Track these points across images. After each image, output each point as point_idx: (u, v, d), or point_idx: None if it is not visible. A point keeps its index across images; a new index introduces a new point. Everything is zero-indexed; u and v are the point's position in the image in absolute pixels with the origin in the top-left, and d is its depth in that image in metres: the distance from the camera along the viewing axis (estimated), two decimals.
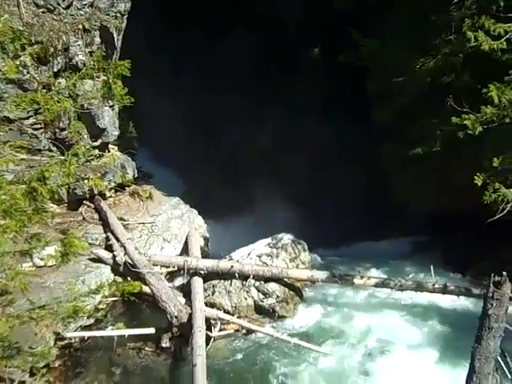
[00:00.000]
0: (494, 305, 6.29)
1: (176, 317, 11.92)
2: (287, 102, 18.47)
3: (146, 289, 12.70)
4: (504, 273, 6.38)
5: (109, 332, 12.01)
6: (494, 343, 6.33)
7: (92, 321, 12.19)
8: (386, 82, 14.66)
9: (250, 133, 19.15)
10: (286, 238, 14.04)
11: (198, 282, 12.79)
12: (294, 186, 17.54)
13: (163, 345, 11.86)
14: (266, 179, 18.24)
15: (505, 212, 11.34)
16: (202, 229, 15.16)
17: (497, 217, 11.32)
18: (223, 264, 13.05)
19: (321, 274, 13.25)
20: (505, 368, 6.49)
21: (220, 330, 12.26)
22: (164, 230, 14.31)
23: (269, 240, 14.01)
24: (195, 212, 15.32)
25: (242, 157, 19.51)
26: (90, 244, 13.15)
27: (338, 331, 12.43)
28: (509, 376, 6.48)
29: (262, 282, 13.02)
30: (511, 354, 6.50)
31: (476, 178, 11.36)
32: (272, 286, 13.02)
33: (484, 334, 6.35)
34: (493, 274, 6.41)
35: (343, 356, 11.66)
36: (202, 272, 13.06)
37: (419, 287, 13.00)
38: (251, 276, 12.93)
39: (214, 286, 13.08)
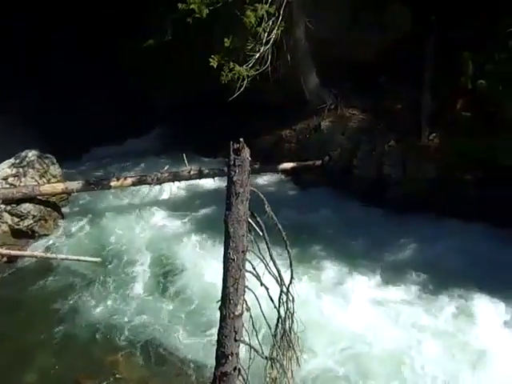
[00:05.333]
0: (237, 171, 6.49)
1: None
2: None
3: None
4: (241, 139, 6.57)
5: None
6: (243, 207, 6.62)
7: None
8: None
9: None
10: (31, 154, 13.03)
11: None
12: (31, 97, 16.31)
13: None
14: None
15: (242, 89, 11.80)
16: None
17: (236, 95, 11.75)
18: None
19: (75, 184, 12.76)
20: (256, 228, 6.85)
21: None
22: None
23: (12, 160, 12.90)
24: None
25: None
26: None
27: (103, 238, 12.30)
28: (260, 234, 6.86)
29: (14, 205, 12.20)
30: (260, 214, 6.85)
31: (211, 60, 11.55)
32: (26, 207, 12.28)
33: (233, 201, 6.57)
34: (232, 143, 6.56)
35: (113, 259, 11.65)
36: None
37: (176, 177, 13.25)
38: (0, 201, 12.02)
39: None
